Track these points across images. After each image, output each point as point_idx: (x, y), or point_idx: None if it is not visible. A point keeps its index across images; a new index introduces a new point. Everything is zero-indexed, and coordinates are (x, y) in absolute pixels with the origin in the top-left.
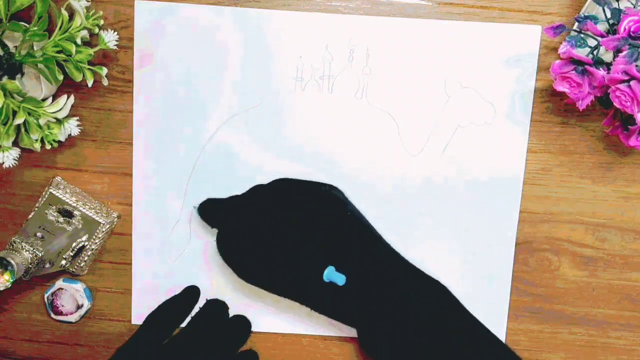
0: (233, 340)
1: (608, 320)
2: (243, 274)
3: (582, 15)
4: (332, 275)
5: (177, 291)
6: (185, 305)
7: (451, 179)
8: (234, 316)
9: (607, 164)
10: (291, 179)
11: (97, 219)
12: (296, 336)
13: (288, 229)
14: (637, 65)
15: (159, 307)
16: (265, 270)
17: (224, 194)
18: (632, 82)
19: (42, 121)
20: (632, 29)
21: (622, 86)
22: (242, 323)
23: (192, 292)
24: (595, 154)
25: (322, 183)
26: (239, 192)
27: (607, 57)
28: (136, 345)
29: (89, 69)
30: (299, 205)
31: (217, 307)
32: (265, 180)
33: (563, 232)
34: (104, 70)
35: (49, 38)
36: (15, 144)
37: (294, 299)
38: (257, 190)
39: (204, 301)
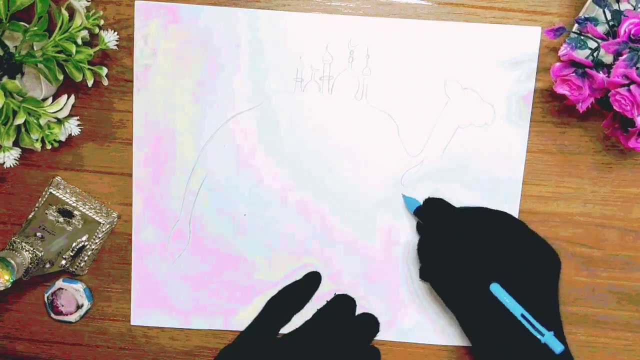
0: (361, 338)
1: (608, 320)
2: (426, 271)
3: (582, 17)
4: (551, 340)
5: (178, 291)
6: (306, 291)
7: (451, 179)
8: (362, 314)
9: (606, 165)
10: (521, 224)
11: (97, 219)
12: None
13: (488, 260)
14: (637, 69)
15: (280, 292)
16: (449, 280)
17: (223, 194)
18: (632, 87)
19: (42, 121)
20: (632, 32)
21: (622, 90)
22: (370, 321)
23: (313, 278)
24: (594, 154)
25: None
26: (238, 193)
27: (608, 58)
28: (257, 329)
29: (89, 69)
30: (520, 251)
31: (345, 302)
32: (265, 180)
33: (563, 232)
34: (104, 70)
35: (49, 38)
36: (16, 144)
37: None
38: (482, 211)
39: (333, 295)
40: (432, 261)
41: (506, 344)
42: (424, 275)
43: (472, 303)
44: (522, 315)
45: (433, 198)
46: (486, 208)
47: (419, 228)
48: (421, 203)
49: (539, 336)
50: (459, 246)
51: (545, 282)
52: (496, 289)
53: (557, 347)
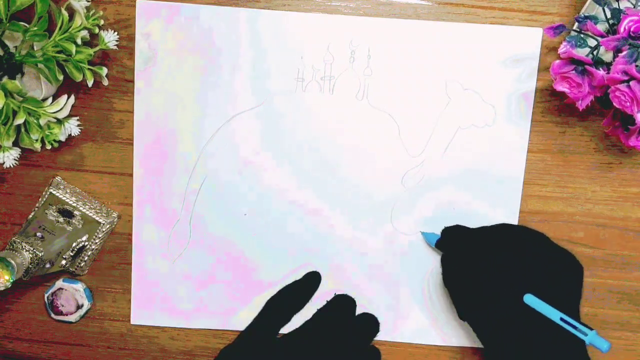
0: (361, 338)
1: (608, 320)
2: (457, 300)
3: (582, 15)
4: (595, 340)
5: (178, 291)
6: (306, 291)
7: (451, 180)
8: (362, 314)
9: (607, 164)
10: (542, 237)
11: (97, 219)
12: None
13: (513, 278)
14: (637, 66)
15: (280, 292)
16: (480, 304)
17: (223, 194)
18: (632, 82)
19: (42, 121)
20: (632, 29)
21: (621, 86)
22: (370, 321)
23: (313, 278)
24: (595, 154)
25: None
26: (239, 192)
27: (607, 57)
28: (257, 329)
29: (89, 69)
30: (543, 269)
31: (345, 302)
32: (265, 180)
33: (563, 232)
34: (104, 70)
35: (49, 38)
36: (16, 144)
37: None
38: (501, 227)
39: (333, 295)
40: (463, 293)
41: (547, 352)
42: (462, 314)
43: (507, 319)
44: (562, 319)
45: (449, 227)
46: (505, 224)
47: (443, 261)
48: (439, 235)
49: (582, 337)
50: (485, 267)
51: (571, 288)
52: (531, 299)
53: (603, 344)
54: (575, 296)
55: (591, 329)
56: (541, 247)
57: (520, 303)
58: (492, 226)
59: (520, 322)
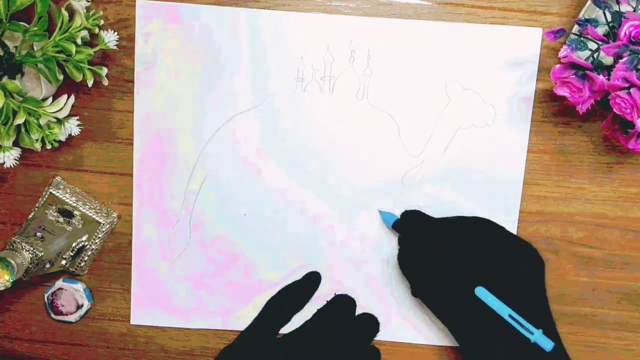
0: (361, 338)
1: (608, 320)
2: (416, 288)
3: (583, 18)
4: (540, 338)
5: (178, 291)
6: (306, 291)
7: (451, 180)
8: (362, 314)
9: (606, 165)
10: (499, 228)
11: (97, 219)
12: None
13: (470, 265)
14: (637, 72)
15: (280, 292)
16: (433, 290)
17: (223, 194)
18: (632, 90)
19: (42, 121)
20: (632, 34)
21: (622, 93)
22: (371, 321)
23: (313, 278)
24: (594, 154)
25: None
26: (239, 192)
27: (608, 60)
28: (257, 329)
29: (89, 69)
30: (499, 257)
31: (345, 302)
32: (265, 179)
33: (563, 232)
34: (104, 70)
35: (49, 38)
36: (16, 144)
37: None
38: (459, 219)
39: (333, 295)
40: (415, 274)
41: (496, 347)
42: (415, 291)
43: (459, 309)
44: (510, 316)
45: (410, 210)
46: (463, 216)
47: (401, 242)
48: (398, 217)
49: (528, 335)
50: (441, 254)
51: (530, 282)
52: (481, 292)
53: (547, 344)
54: (536, 291)
55: (538, 328)
56: (501, 240)
57: (472, 296)
58: (451, 217)
59: (471, 313)
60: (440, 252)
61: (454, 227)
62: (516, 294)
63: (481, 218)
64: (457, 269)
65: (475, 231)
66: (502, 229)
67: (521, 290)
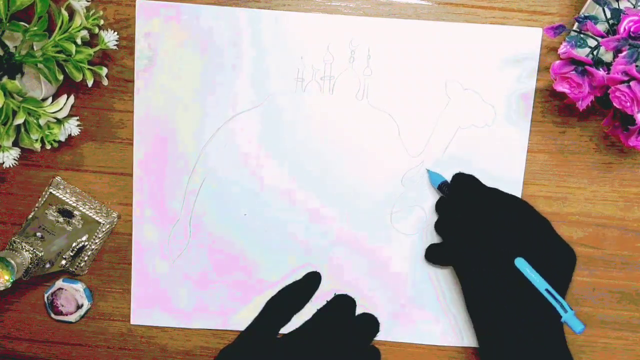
0: (361, 338)
1: (608, 320)
2: (452, 249)
3: (582, 15)
4: (572, 319)
5: (178, 291)
6: (306, 291)
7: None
8: (362, 314)
9: (607, 164)
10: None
11: (97, 219)
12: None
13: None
14: (637, 66)
15: (280, 292)
16: (472, 253)
17: (223, 194)
18: (632, 83)
19: (42, 121)
20: (632, 29)
21: (622, 86)
22: (370, 321)
23: (313, 278)
24: (595, 153)
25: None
26: (239, 192)
27: (607, 57)
28: (257, 329)
29: (89, 69)
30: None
31: (345, 302)
32: (265, 179)
33: (563, 232)
34: (104, 70)
35: (49, 38)
36: (16, 144)
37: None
38: (513, 197)
39: (333, 295)
40: (458, 235)
41: (522, 319)
42: (444, 249)
43: (494, 276)
44: (547, 290)
45: (463, 173)
46: (518, 198)
47: (439, 205)
48: (446, 179)
49: (561, 312)
50: (488, 220)
51: (563, 274)
52: (521, 263)
53: (578, 326)
54: (564, 283)
55: (572, 309)
56: (545, 227)
57: (511, 266)
58: (506, 193)
59: (505, 282)
60: (488, 218)
61: (504, 199)
62: (549, 278)
63: (530, 205)
64: (501, 237)
65: (524, 209)
66: (548, 221)
67: (552, 278)
